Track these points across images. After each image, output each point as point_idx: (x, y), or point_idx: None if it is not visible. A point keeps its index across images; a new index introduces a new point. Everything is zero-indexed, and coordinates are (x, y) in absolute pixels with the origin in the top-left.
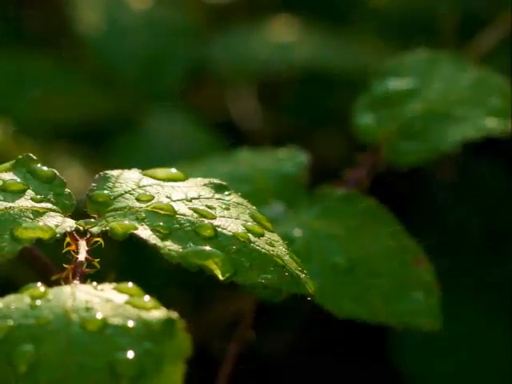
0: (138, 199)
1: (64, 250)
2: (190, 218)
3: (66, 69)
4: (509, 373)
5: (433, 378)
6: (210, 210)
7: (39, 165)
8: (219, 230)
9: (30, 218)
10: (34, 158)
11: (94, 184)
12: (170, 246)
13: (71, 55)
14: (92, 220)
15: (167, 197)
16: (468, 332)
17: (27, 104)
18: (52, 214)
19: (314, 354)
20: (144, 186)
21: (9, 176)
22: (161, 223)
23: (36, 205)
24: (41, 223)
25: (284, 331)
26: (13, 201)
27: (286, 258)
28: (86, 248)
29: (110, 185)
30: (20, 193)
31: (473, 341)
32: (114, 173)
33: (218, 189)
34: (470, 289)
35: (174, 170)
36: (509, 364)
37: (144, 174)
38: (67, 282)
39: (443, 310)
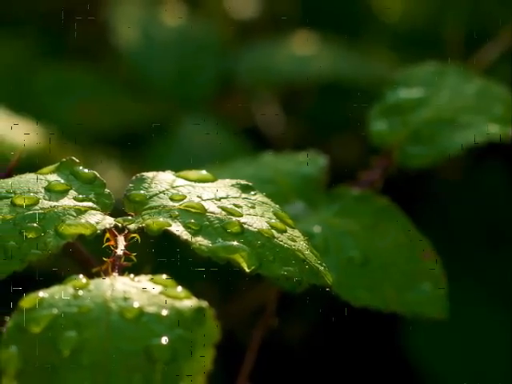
0: (171, 198)
1: (104, 245)
2: (218, 215)
3: (105, 79)
4: (508, 364)
5: (440, 365)
6: (237, 209)
7: (81, 167)
8: (245, 226)
9: (73, 216)
10: (77, 160)
11: (131, 185)
12: (201, 242)
13: (109, 66)
14: (129, 218)
15: (198, 196)
16: (471, 323)
17: (70, 111)
18: (93, 212)
19: (331, 340)
20: (177, 187)
21: (53, 177)
22: (192, 220)
23: (78, 204)
24: (83, 220)
25: (305, 319)
26: (57, 200)
27: (307, 252)
28: (124, 243)
29: (146, 185)
30: (64, 193)
31: (475, 336)
32: (150, 174)
33: (245, 189)
34: (473, 284)
35: (204, 172)
36: (508, 356)
37: (177, 176)
38: (107, 274)
39: (450, 303)
